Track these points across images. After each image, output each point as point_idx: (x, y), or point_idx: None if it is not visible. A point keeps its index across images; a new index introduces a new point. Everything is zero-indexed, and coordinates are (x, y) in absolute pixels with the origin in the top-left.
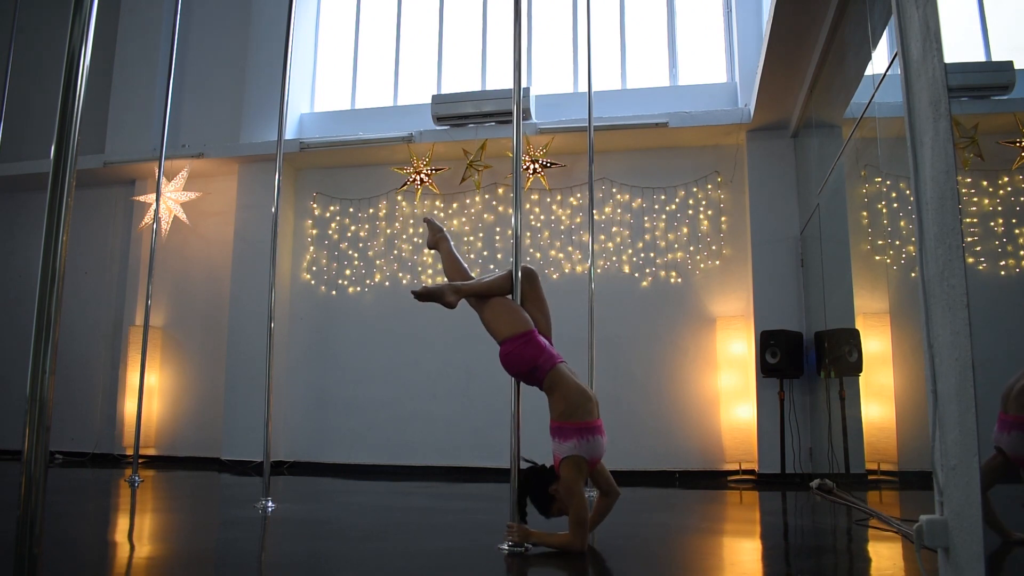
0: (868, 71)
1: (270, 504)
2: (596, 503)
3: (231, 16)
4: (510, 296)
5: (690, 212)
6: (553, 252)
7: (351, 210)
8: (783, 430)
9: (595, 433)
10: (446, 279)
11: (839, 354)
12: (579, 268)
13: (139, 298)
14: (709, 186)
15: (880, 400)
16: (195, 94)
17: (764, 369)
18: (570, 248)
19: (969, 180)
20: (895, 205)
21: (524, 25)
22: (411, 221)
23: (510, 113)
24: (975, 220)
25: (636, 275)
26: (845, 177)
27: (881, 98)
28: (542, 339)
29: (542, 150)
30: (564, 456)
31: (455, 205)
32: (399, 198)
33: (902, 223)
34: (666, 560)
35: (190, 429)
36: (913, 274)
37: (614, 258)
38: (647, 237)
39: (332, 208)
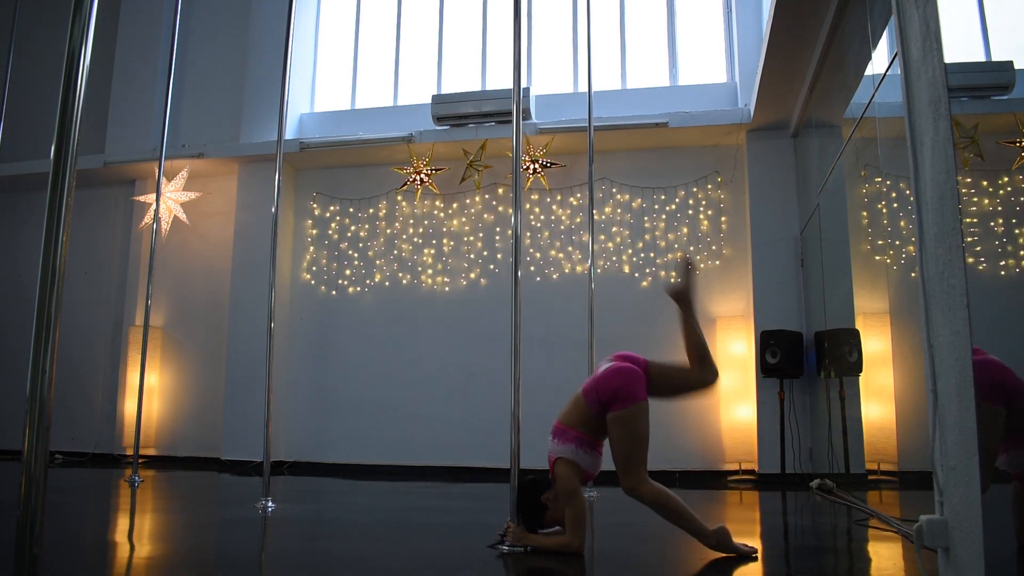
0: (868, 71)
1: (270, 504)
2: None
3: (231, 16)
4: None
5: (690, 212)
6: (553, 252)
7: (351, 210)
8: (783, 430)
9: (597, 449)
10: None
11: (839, 354)
12: (579, 268)
13: (139, 298)
14: (709, 186)
15: (880, 400)
16: (195, 94)
17: (764, 369)
18: (570, 248)
19: (969, 180)
20: (895, 205)
21: (524, 25)
22: (411, 221)
23: (510, 113)
24: (975, 220)
25: (636, 275)
26: (845, 177)
27: (881, 98)
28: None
29: (542, 150)
30: (559, 456)
31: (455, 205)
32: (399, 198)
33: (902, 223)
34: (666, 560)
35: (190, 429)
36: (913, 274)
37: (614, 258)
38: (647, 237)
39: (332, 208)
